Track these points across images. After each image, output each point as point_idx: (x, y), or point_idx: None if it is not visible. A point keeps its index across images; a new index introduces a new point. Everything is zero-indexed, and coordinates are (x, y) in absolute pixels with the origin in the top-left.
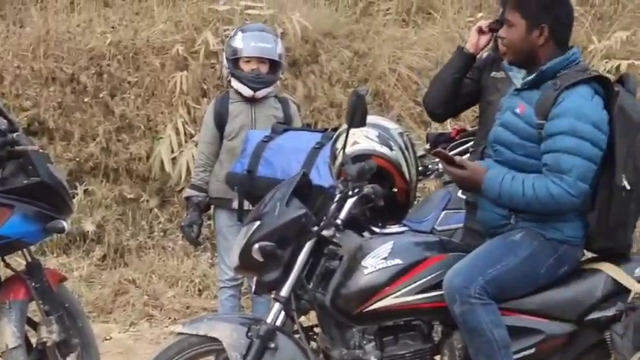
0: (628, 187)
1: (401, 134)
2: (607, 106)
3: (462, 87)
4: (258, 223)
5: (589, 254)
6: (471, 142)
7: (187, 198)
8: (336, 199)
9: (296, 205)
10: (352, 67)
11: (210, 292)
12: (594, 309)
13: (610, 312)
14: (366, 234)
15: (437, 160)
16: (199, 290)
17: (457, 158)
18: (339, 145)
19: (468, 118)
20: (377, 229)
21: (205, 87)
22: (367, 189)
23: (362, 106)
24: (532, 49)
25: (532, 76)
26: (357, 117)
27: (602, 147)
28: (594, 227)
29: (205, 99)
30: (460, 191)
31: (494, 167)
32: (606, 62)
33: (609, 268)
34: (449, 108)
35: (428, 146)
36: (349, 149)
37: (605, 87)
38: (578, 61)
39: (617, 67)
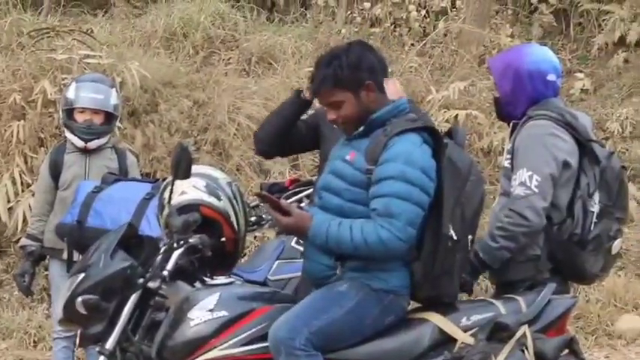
0: (455, 237)
1: (229, 184)
2: (435, 156)
3: (294, 128)
4: (82, 275)
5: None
6: (305, 192)
7: (22, 247)
8: (162, 250)
9: (121, 256)
10: (192, 116)
11: (45, 344)
12: (422, 358)
13: None
14: (198, 284)
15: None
16: (34, 342)
17: (283, 203)
18: (166, 195)
19: (307, 167)
20: (207, 280)
21: (43, 136)
22: (194, 239)
23: (187, 157)
24: (367, 108)
25: (362, 126)
26: (181, 168)
27: (430, 194)
28: (420, 276)
29: (43, 148)
30: (294, 241)
31: (320, 214)
32: (444, 112)
33: (436, 318)
34: (279, 146)
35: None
36: (177, 199)
37: (433, 138)
38: (407, 110)
39: (455, 117)
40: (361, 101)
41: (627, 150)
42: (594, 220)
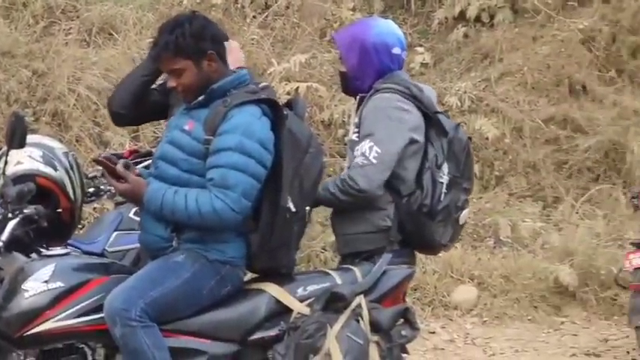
0: (293, 209)
1: (66, 154)
2: (274, 128)
3: (149, 93)
4: None
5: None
6: (144, 163)
7: None
8: None
9: None
10: (31, 86)
11: None
12: (258, 329)
13: (273, 332)
14: (34, 255)
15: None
16: None
17: (119, 168)
18: (1, 165)
19: (148, 138)
20: (43, 250)
21: None
22: (29, 210)
23: (21, 126)
24: (208, 78)
25: (202, 95)
26: (16, 138)
27: (267, 166)
28: (257, 248)
29: None
30: (132, 212)
31: (155, 183)
32: (286, 84)
33: (272, 289)
34: (133, 111)
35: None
36: (12, 169)
37: (273, 110)
38: (248, 82)
39: (296, 89)
40: (202, 70)
41: (465, 124)
42: (444, 191)
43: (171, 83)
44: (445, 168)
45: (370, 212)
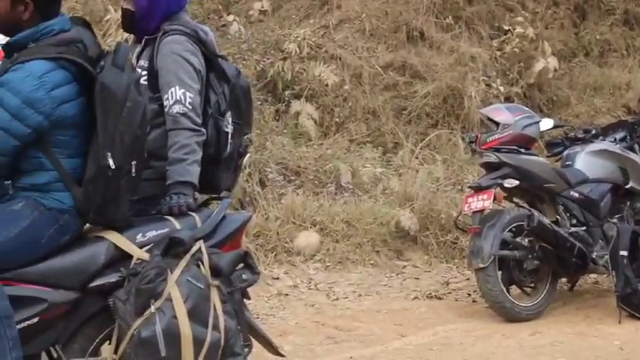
0: (113, 166)
1: None
2: (82, 84)
3: None
4: None
5: None
6: None
7: None
8: None
9: None
10: None
11: None
12: (98, 276)
13: (113, 278)
14: None
15: None
16: None
17: None
18: None
19: None
20: None
21: None
22: None
23: None
24: (17, 23)
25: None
26: None
27: (31, 125)
28: (80, 204)
29: None
30: None
31: None
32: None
33: (112, 235)
34: None
35: None
36: None
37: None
38: (53, 32)
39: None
40: (14, 12)
41: (305, 70)
42: (229, 140)
43: None
44: (229, 116)
45: (156, 161)
